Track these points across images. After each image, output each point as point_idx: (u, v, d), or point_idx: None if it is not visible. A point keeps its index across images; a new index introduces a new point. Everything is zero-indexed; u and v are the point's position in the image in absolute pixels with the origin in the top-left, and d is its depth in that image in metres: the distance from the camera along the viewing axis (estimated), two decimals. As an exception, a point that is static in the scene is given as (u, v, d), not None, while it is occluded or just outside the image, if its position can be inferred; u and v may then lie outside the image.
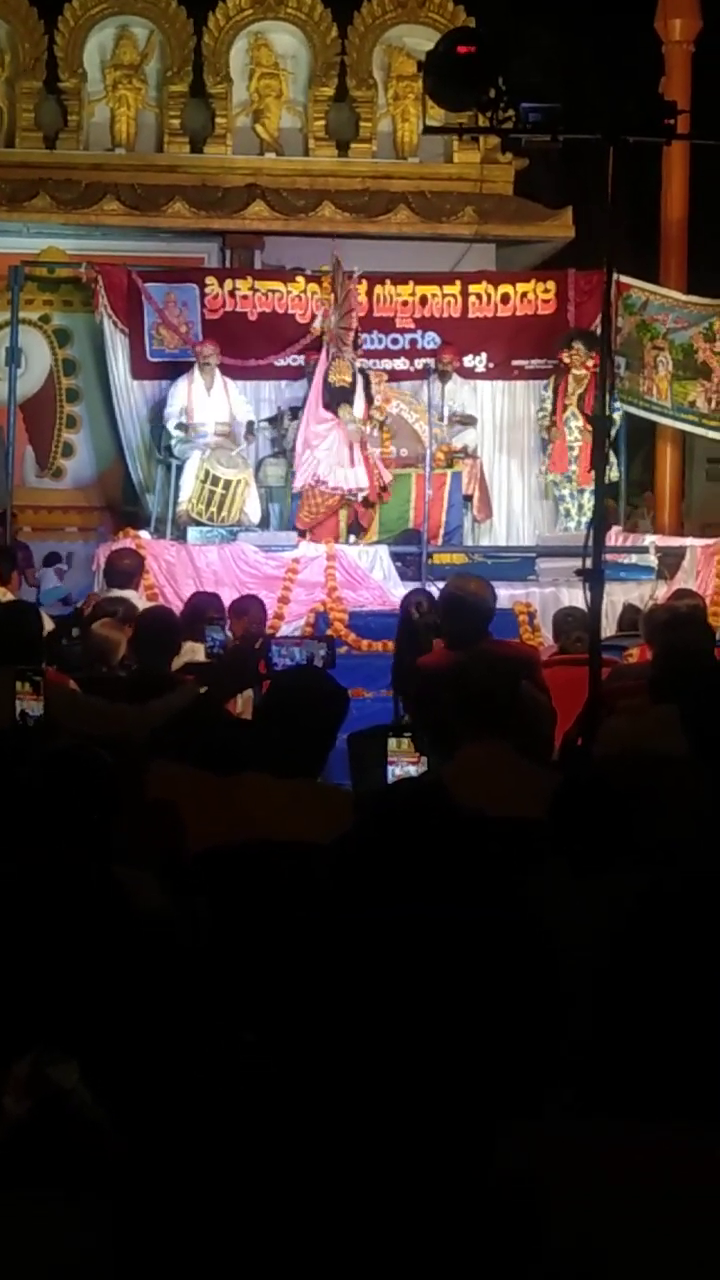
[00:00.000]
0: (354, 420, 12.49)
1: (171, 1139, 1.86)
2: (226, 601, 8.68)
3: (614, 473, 13.19)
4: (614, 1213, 1.87)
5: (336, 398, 12.57)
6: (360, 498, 12.61)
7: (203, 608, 7.90)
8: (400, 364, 13.61)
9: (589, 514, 13.04)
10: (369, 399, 12.81)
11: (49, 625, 7.79)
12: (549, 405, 13.22)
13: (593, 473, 13.01)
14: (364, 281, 13.50)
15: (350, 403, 12.57)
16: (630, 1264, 1.85)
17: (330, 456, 12.36)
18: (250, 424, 12.94)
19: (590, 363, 12.84)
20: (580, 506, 13.03)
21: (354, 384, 12.68)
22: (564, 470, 13.15)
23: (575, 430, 13.02)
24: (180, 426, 12.71)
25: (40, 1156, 1.91)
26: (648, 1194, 1.89)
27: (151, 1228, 1.81)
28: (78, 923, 2.58)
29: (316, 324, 12.99)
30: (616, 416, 13.03)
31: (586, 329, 13.25)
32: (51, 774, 3.34)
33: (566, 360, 13.11)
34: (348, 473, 12.48)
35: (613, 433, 13.00)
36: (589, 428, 12.77)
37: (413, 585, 11.62)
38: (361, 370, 12.81)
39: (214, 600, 8.36)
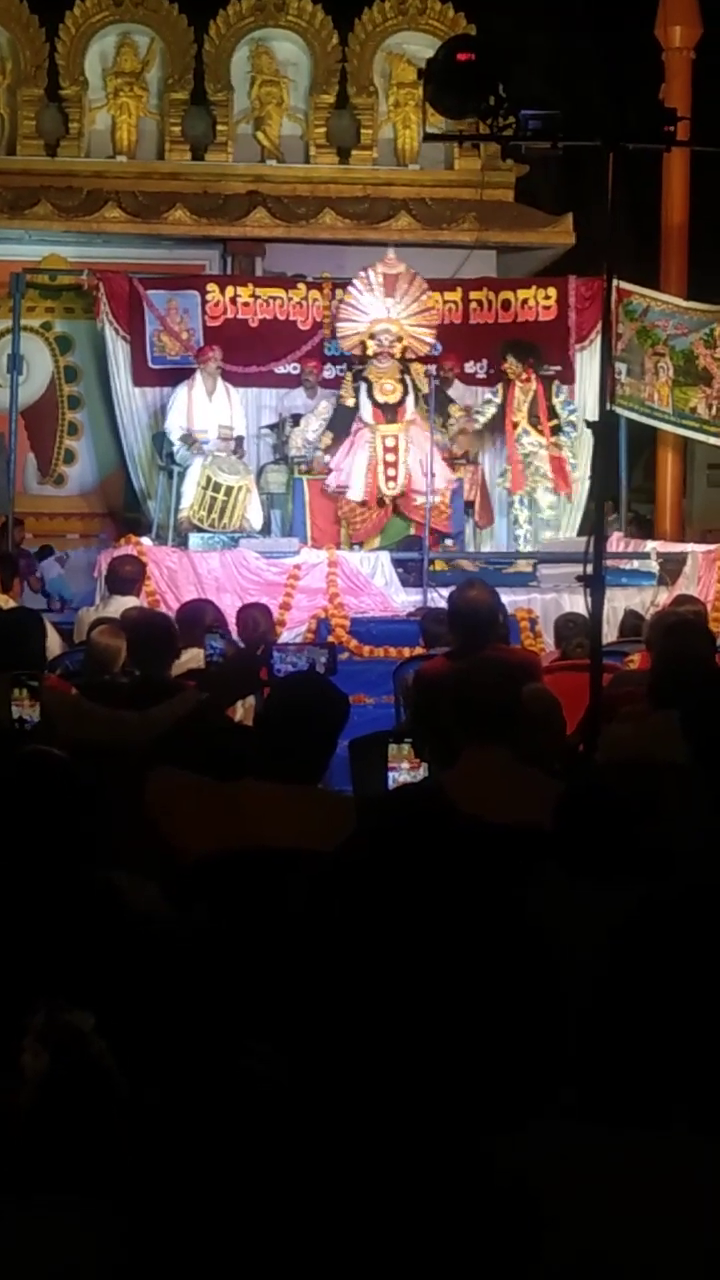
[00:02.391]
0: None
1: (175, 1144, 1.87)
2: (226, 608, 8.62)
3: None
4: (611, 1219, 1.88)
5: None
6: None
7: (196, 615, 7.77)
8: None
9: (543, 518, 12.90)
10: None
11: (56, 646, 7.72)
12: (493, 411, 12.94)
13: (577, 482, 13.08)
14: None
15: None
16: (628, 1270, 1.86)
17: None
18: (240, 439, 12.90)
19: (524, 375, 12.77)
20: (529, 516, 12.89)
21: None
22: (520, 489, 12.93)
23: (529, 444, 12.86)
24: (183, 439, 12.70)
25: (52, 1153, 1.92)
26: (645, 1201, 1.89)
27: (158, 1230, 1.82)
28: (71, 926, 2.59)
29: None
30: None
31: (520, 340, 13.15)
32: (12, 780, 3.32)
33: (508, 371, 12.94)
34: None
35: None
36: (550, 439, 12.73)
37: (414, 591, 11.65)
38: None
39: (207, 607, 8.20)
